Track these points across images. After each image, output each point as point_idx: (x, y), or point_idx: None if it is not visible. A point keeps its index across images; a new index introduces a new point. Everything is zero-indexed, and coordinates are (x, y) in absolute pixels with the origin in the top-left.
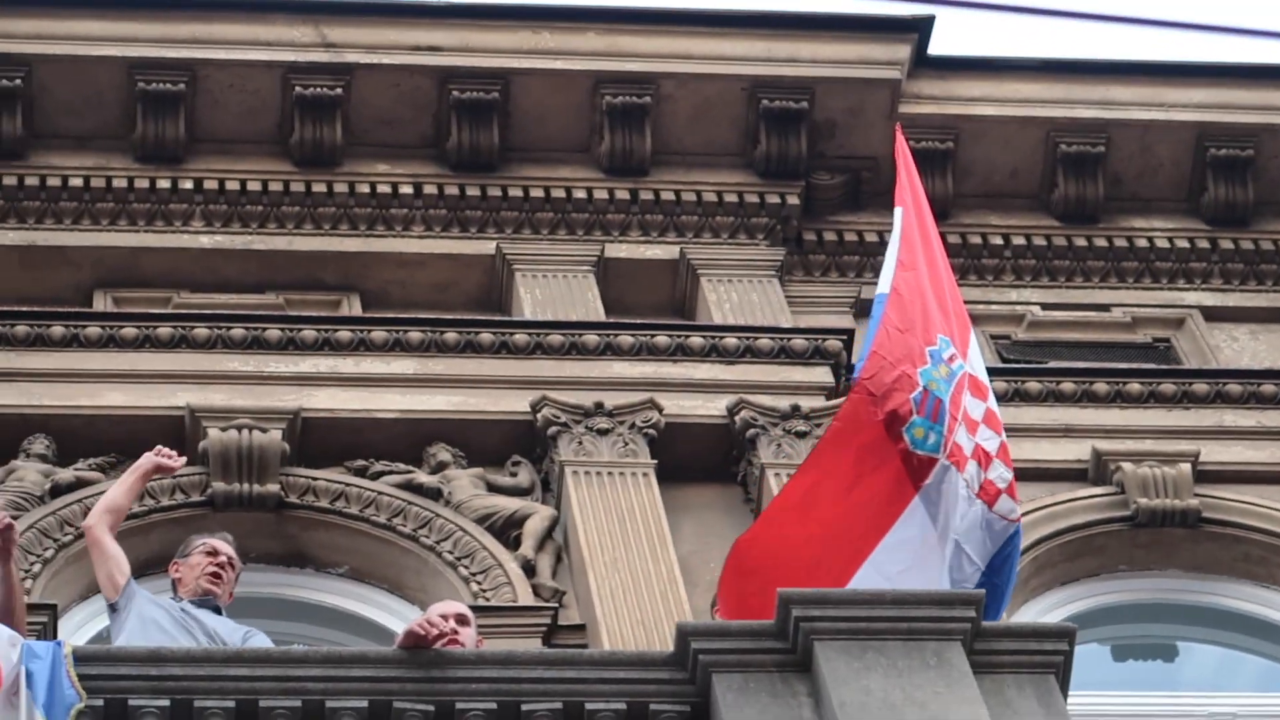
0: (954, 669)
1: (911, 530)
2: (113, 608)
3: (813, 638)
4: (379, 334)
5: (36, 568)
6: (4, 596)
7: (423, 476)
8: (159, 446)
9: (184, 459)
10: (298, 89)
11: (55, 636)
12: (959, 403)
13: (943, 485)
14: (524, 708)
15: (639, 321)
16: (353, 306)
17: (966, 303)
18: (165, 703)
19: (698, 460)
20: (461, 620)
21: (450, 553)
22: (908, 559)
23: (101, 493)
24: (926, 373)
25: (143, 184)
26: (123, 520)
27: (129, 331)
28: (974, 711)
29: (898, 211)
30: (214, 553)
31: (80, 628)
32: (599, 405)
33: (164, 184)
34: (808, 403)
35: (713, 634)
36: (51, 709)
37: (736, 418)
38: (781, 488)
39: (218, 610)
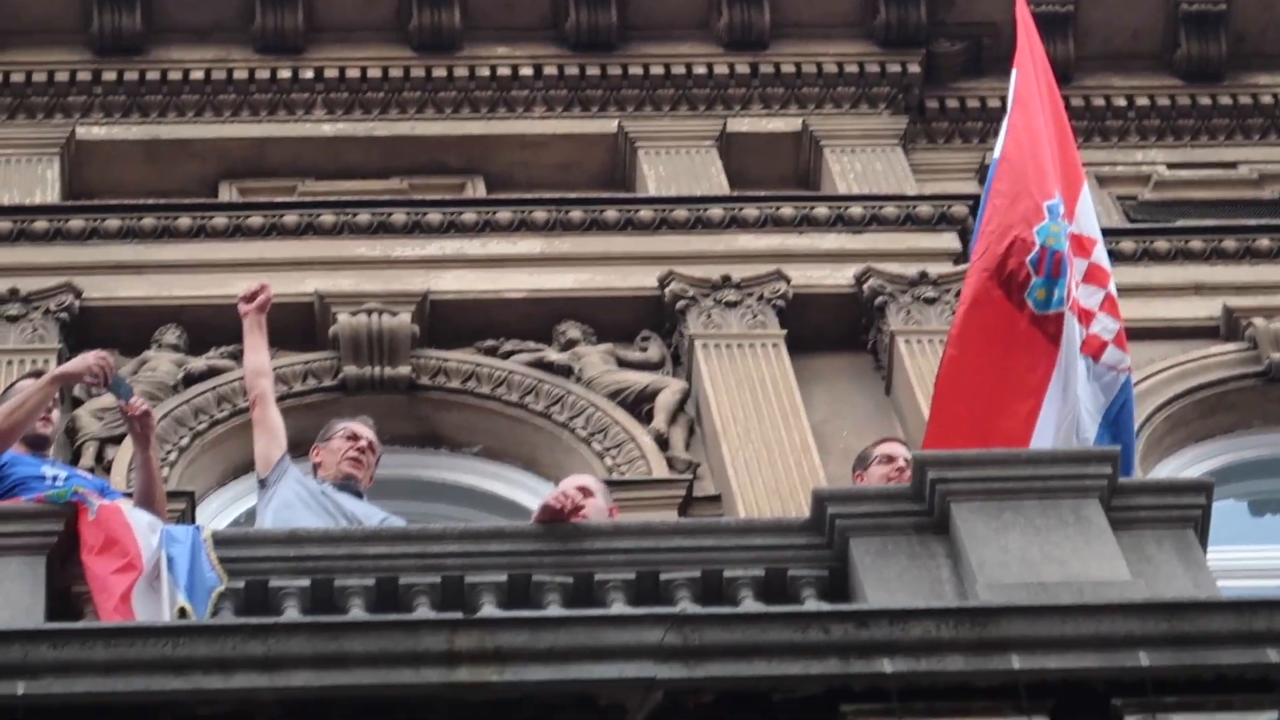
0: (1092, 525)
1: (1059, 390)
2: (262, 484)
3: (949, 499)
4: (504, 215)
5: (173, 456)
6: (144, 483)
7: (553, 354)
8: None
9: (264, 284)
10: None
11: (194, 523)
12: (1071, 259)
13: (1073, 337)
14: (662, 577)
15: (764, 194)
16: (477, 189)
17: (1091, 165)
18: (305, 583)
19: (827, 330)
20: (585, 492)
21: (583, 429)
22: (1063, 423)
23: (236, 380)
24: (1044, 229)
25: (263, 75)
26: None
27: (255, 220)
28: (1113, 567)
29: (1014, 74)
30: (355, 437)
31: (218, 514)
32: (726, 278)
33: (285, 74)
34: (935, 269)
35: (849, 498)
36: (193, 593)
37: (864, 286)
38: (932, 387)
39: (358, 495)
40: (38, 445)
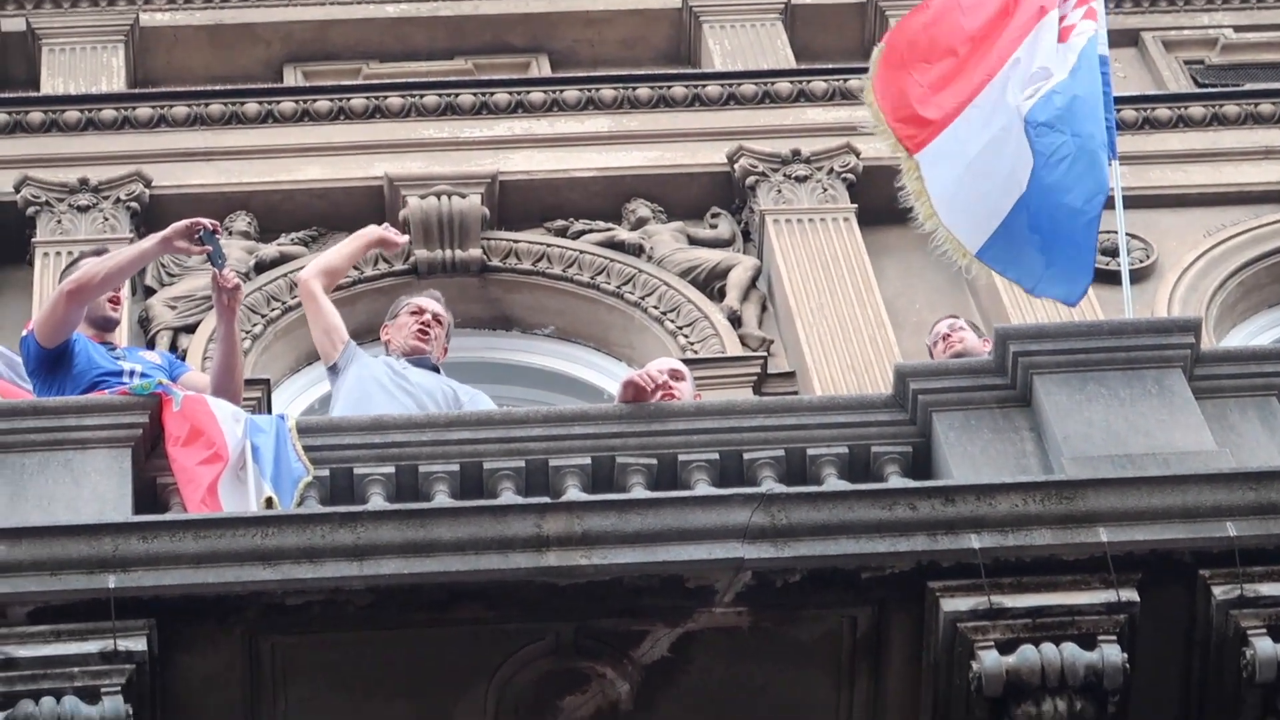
0: (1176, 396)
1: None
2: (333, 369)
3: (1032, 372)
4: (571, 93)
5: (246, 343)
6: (225, 357)
7: (623, 233)
8: (386, 223)
9: (407, 238)
10: None
11: (270, 410)
12: None
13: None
14: (746, 456)
15: (831, 66)
16: (542, 68)
17: (1157, 29)
18: (390, 470)
19: (898, 202)
20: (676, 375)
21: (655, 308)
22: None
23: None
24: None
25: None
26: (336, 284)
27: (323, 105)
28: (1198, 437)
29: None
30: (419, 310)
31: (293, 400)
32: (796, 152)
33: None
34: None
35: (931, 373)
36: (279, 482)
37: None
38: None
39: (434, 369)
40: (104, 328)
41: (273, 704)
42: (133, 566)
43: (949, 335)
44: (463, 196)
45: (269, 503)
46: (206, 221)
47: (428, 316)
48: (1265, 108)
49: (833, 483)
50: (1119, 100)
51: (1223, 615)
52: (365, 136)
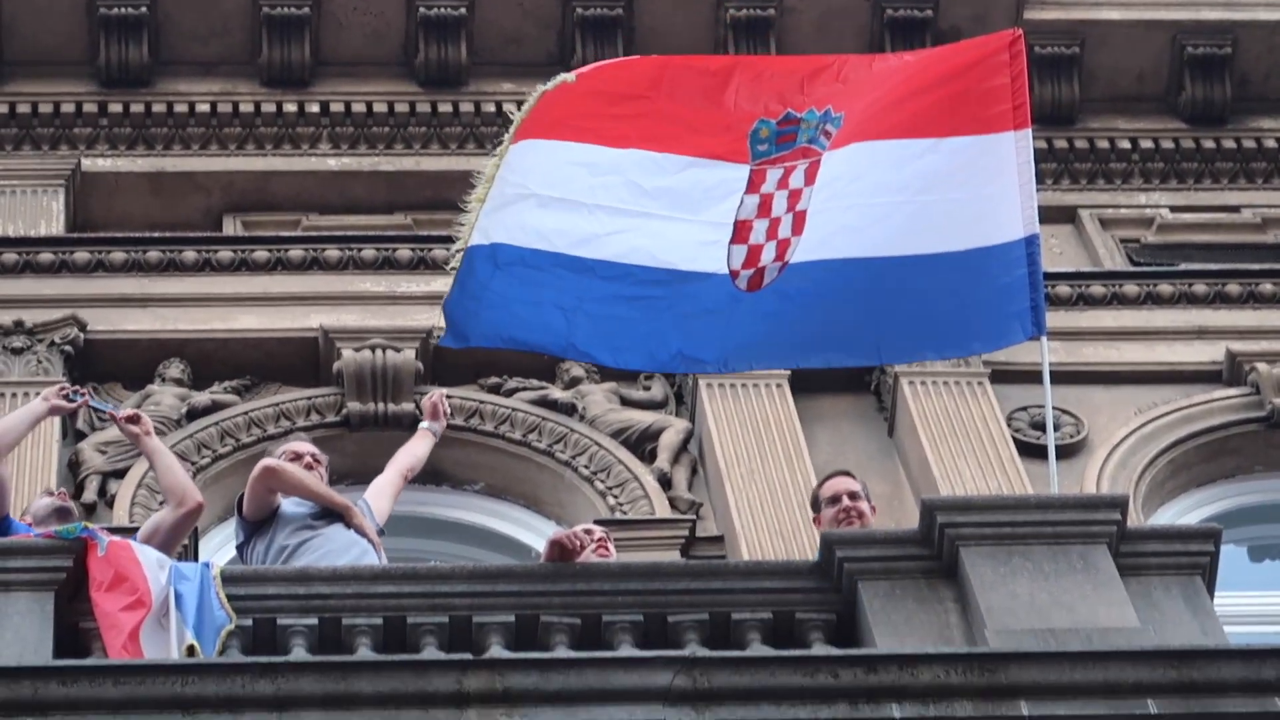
0: (1100, 572)
1: None
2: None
3: (958, 544)
4: None
5: None
6: (160, 473)
7: (556, 392)
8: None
9: (76, 388)
10: (421, 9)
11: (195, 557)
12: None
13: None
14: (670, 619)
15: None
16: None
17: (1095, 207)
18: (314, 621)
19: (831, 370)
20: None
21: (586, 467)
22: None
23: (239, 415)
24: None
25: (269, 108)
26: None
27: (261, 255)
28: (1121, 614)
29: None
30: (298, 455)
31: (220, 548)
32: None
33: (290, 108)
34: None
35: (857, 542)
36: (201, 630)
37: None
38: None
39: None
40: (62, 518)
41: None
42: (52, 711)
43: (840, 500)
44: (397, 350)
45: (190, 650)
46: (66, 385)
47: (308, 459)
48: (1199, 288)
49: (756, 648)
50: (1054, 276)
51: None
52: (302, 288)
